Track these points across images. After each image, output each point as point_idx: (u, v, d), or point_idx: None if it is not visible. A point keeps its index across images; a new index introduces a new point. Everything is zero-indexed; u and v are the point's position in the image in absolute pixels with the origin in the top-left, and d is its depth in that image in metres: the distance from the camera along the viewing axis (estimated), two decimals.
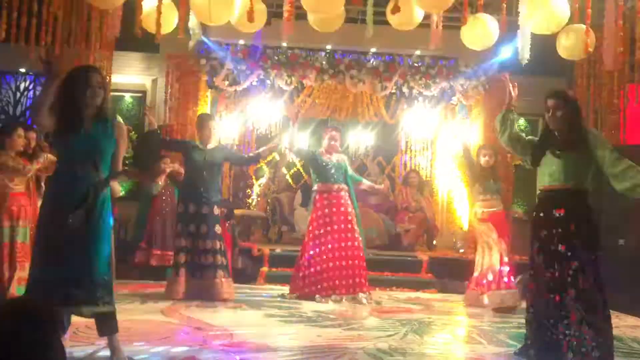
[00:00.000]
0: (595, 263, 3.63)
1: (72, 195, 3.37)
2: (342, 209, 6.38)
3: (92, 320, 3.52)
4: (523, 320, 3.99)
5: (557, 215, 3.71)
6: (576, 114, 3.86)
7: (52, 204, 3.47)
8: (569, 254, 3.63)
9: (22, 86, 9.54)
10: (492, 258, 6.23)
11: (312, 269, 6.31)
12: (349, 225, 6.34)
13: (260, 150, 6.49)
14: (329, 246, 6.28)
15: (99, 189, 3.41)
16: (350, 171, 6.68)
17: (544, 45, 6.08)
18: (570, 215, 3.69)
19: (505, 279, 6.19)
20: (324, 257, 6.28)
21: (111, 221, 3.57)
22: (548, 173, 3.81)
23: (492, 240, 6.25)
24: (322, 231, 6.34)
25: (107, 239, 3.48)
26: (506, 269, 6.21)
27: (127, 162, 8.97)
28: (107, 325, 3.48)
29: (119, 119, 3.62)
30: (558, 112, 3.82)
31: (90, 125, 3.43)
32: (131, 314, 4.89)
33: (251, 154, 6.47)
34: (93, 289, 3.37)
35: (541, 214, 3.81)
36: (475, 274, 6.36)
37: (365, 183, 7.07)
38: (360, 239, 6.42)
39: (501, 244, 6.24)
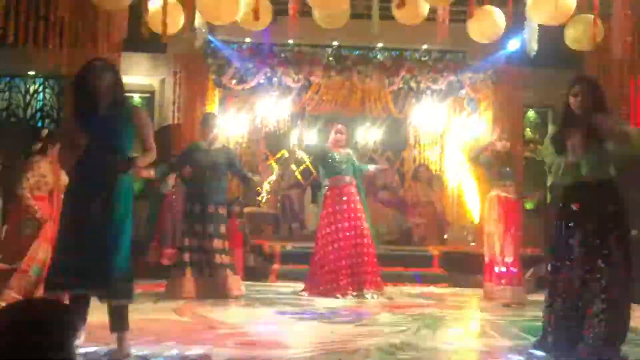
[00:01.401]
0: (626, 243, 3.61)
1: (92, 182, 3.46)
2: (352, 205, 6.38)
3: (106, 321, 3.57)
4: (536, 313, 3.98)
5: (586, 205, 3.66)
6: (602, 99, 3.78)
7: (73, 191, 3.57)
8: (601, 241, 3.59)
9: (31, 89, 9.59)
10: (496, 249, 6.20)
11: (326, 268, 6.31)
12: (359, 222, 6.34)
13: (251, 175, 6.45)
14: (341, 244, 6.28)
15: (118, 174, 3.48)
16: (356, 163, 6.67)
17: (553, 36, 6.05)
18: (600, 205, 3.63)
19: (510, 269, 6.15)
20: (335, 255, 6.29)
21: (130, 212, 3.58)
22: (574, 164, 3.73)
23: (498, 234, 6.22)
24: (333, 228, 6.34)
25: (127, 230, 3.52)
26: (505, 265, 6.17)
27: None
28: (119, 321, 3.54)
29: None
30: (585, 96, 3.75)
31: (105, 111, 3.52)
32: (144, 313, 4.91)
33: (248, 174, 6.44)
34: (111, 281, 3.43)
35: (569, 205, 3.75)
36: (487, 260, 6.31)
37: (371, 169, 7.04)
38: (370, 234, 6.42)
39: (506, 239, 6.17)
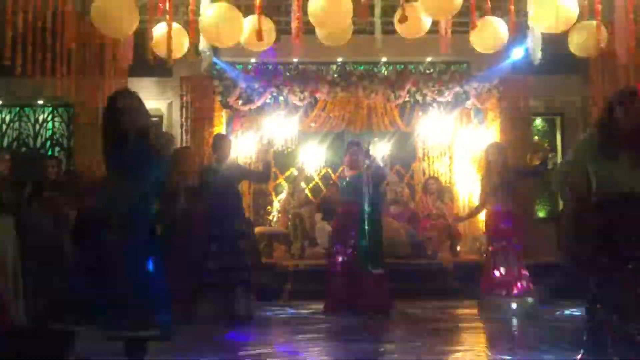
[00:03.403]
0: None
1: (108, 212, 3.44)
2: (352, 225, 6.32)
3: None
4: (554, 324, 3.92)
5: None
6: None
7: (91, 220, 3.57)
8: None
9: (40, 118, 9.70)
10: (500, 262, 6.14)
11: (334, 286, 6.29)
12: (354, 242, 6.29)
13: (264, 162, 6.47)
14: (344, 260, 6.26)
15: (137, 206, 3.44)
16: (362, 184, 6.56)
17: (557, 43, 6.05)
18: None
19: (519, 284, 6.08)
20: (342, 273, 6.27)
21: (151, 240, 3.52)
22: (618, 177, 3.68)
23: (494, 245, 6.17)
24: (337, 247, 6.34)
25: (144, 258, 3.43)
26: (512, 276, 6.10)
27: None
28: (137, 347, 3.45)
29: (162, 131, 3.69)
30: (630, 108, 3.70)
31: (132, 145, 3.50)
32: None
33: (259, 172, 6.48)
34: (132, 312, 3.33)
35: (620, 217, 3.68)
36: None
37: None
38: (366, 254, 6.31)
39: (510, 250, 6.11)
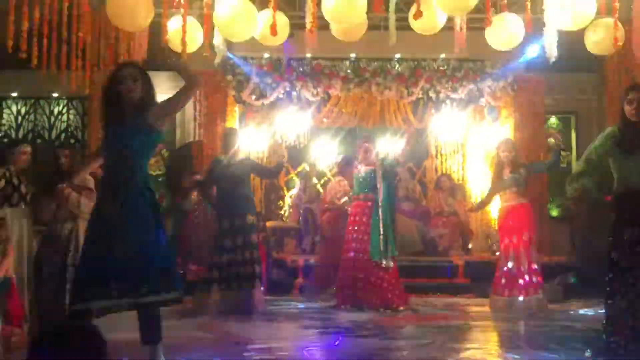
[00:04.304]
0: None
1: (110, 189, 3.44)
2: (364, 218, 6.34)
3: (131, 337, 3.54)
4: (563, 323, 3.90)
5: None
6: None
7: (97, 200, 3.59)
8: None
9: (55, 110, 9.78)
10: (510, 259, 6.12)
11: (346, 281, 6.30)
12: (366, 237, 6.29)
13: (278, 162, 6.49)
14: (354, 255, 6.27)
15: (134, 180, 3.42)
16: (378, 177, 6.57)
17: (572, 41, 5.99)
18: None
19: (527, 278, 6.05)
20: (349, 267, 6.27)
21: (149, 213, 3.45)
22: (633, 172, 3.67)
23: (505, 242, 6.14)
24: (348, 239, 6.35)
25: (146, 227, 3.39)
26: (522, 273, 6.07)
27: (159, 179, 9.14)
28: (153, 331, 3.42)
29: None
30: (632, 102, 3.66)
31: (131, 118, 3.45)
32: (169, 330, 4.90)
33: (271, 167, 6.50)
34: (141, 279, 3.29)
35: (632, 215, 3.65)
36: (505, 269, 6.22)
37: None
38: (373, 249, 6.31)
39: (521, 246, 6.08)
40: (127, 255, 3.30)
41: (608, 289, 3.70)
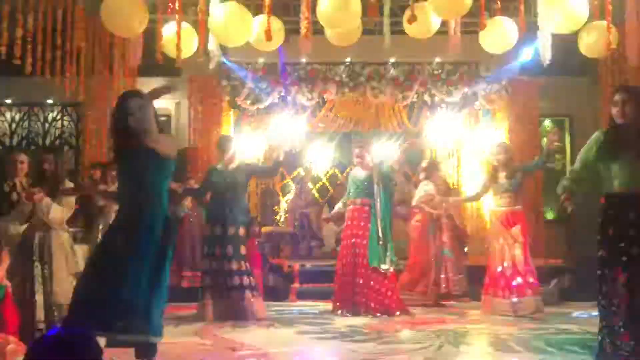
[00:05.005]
0: None
1: (122, 219, 3.50)
2: (362, 223, 6.33)
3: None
4: (560, 326, 3.90)
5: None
6: None
7: (109, 227, 3.69)
8: None
9: (50, 117, 9.75)
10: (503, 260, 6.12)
11: (342, 286, 6.28)
12: (364, 241, 6.28)
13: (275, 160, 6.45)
14: (352, 261, 6.26)
15: (143, 210, 3.46)
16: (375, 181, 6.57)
17: (566, 44, 6.02)
18: None
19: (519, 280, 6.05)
20: (348, 272, 6.26)
21: (153, 246, 3.50)
22: (622, 176, 3.68)
23: (500, 243, 6.15)
24: (346, 244, 6.35)
25: (146, 263, 3.46)
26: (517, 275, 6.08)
27: None
28: (144, 348, 3.52)
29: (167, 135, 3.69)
30: (627, 106, 3.70)
31: (138, 149, 3.49)
32: (165, 336, 4.89)
33: (269, 166, 6.48)
34: (130, 316, 3.38)
35: (628, 214, 3.67)
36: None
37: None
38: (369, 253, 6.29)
39: (515, 248, 6.09)
40: (124, 292, 3.37)
41: (598, 286, 3.72)
